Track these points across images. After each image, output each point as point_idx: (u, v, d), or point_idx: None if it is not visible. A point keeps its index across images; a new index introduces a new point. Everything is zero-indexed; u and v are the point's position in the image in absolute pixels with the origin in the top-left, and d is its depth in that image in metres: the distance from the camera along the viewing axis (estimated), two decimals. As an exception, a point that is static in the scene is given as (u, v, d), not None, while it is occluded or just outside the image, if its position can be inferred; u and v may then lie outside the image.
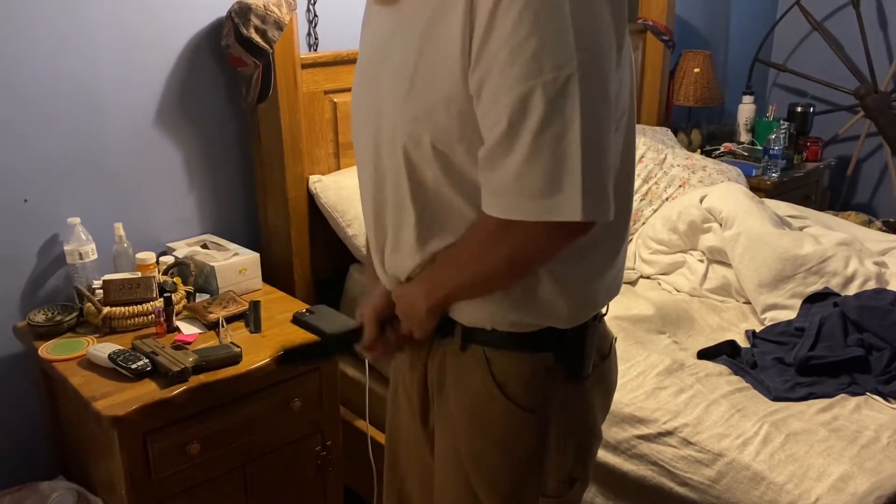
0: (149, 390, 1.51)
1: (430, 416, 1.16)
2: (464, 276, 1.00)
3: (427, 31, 0.93)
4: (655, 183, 2.58)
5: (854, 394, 1.69)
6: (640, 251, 2.41)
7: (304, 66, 2.05)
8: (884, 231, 2.84)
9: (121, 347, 1.60)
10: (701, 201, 2.32)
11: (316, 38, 2.22)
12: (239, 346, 1.63)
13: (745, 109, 3.50)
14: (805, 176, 3.29)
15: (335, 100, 2.16)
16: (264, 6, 1.91)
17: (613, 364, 1.18)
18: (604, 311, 1.12)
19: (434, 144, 0.95)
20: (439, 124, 0.93)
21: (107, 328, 1.73)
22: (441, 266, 1.02)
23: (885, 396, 1.68)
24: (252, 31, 1.91)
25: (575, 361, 1.06)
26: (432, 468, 1.19)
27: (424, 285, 1.04)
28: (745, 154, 3.33)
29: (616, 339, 1.19)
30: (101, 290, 1.76)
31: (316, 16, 2.21)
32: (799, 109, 3.46)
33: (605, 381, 1.15)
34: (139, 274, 1.83)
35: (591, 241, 0.93)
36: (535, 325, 1.03)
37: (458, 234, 1.00)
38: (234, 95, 2.10)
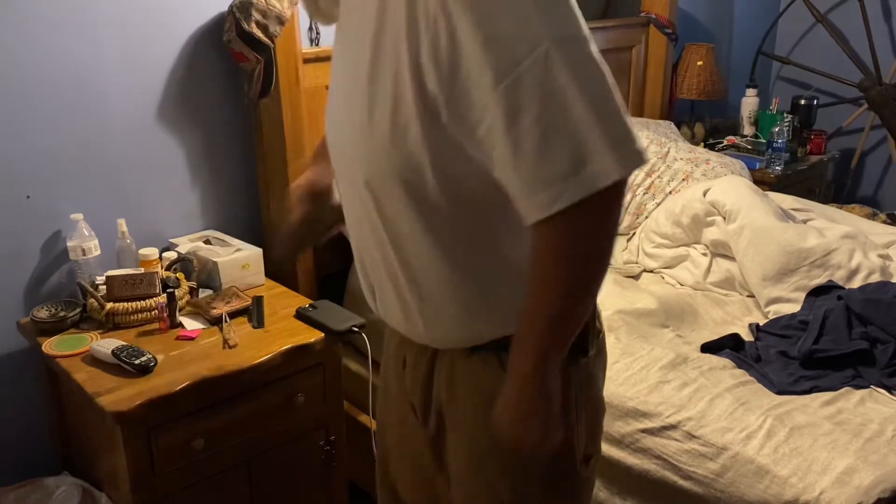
0: (153, 386, 1.50)
1: (431, 417, 1.14)
2: (551, 312, 0.88)
3: (374, 53, 0.91)
4: (658, 177, 2.57)
5: (858, 387, 1.68)
6: (643, 245, 2.41)
7: (306, 61, 2.05)
8: (888, 224, 2.83)
9: (124, 343, 1.60)
10: (704, 195, 2.31)
11: (318, 33, 2.22)
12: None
13: (749, 102, 3.48)
14: (809, 169, 3.28)
15: (337, 94, 2.15)
16: (266, 1, 1.91)
17: (605, 336, 1.17)
18: None
19: (402, 180, 0.93)
20: (401, 157, 0.91)
21: (110, 324, 1.73)
22: (521, 333, 0.92)
23: (889, 389, 1.67)
24: (253, 25, 1.90)
25: (582, 341, 1.05)
26: (429, 469, 1.18)
27: (517, 374, 0.92)
28: (749, 147, 3.31)
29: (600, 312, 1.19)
30: (105, 286, 1.76)
31: (317, 10, 2.20)
32: (802, 102, 3.44)
33: (603, 353, 1.15)
34: (142, 270, 1.83)
35: None
36: None
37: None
38: (236, 90, 2.09)
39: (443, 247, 0.97)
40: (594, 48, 0.83)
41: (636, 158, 0.80)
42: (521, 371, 0.93)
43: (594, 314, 1.08)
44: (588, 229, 0.84)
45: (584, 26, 0.83)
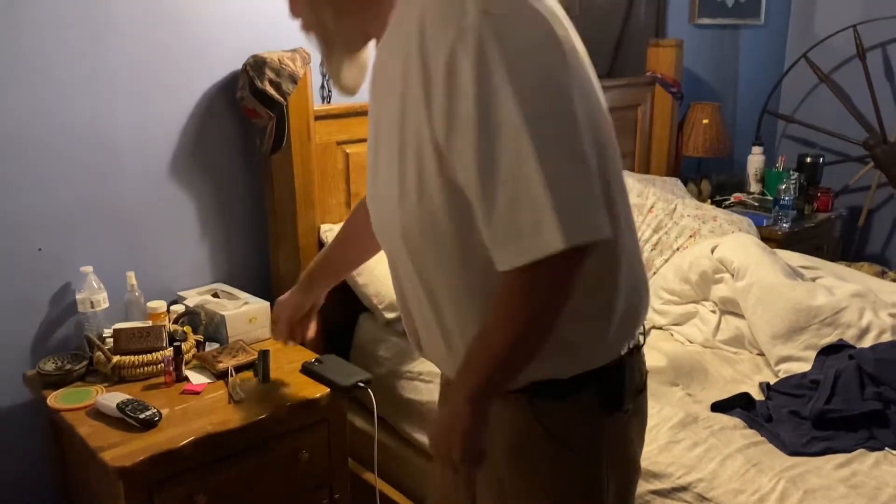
0: (157, 441, 1.49)
1: None
2: (497, 347, 0.97)
3: (401, 119, 0.98)
4: (666, 233, 2.58)
5: (873, 449, 1.65)
6: (652, 302, 2.40)
7: (318, 118, 2.08)
8: (898, 282, 2.81)
9: (129, 397, 1.59)
10: (712, 252, 2.31)
11: (329, 91, 2.26)
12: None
13: (755, 160, 3.51)
14: (816, 226, 3.28)
15: (347, 150, 2.18)
16: (279, 60, 1.95)
17: (646, 397, 1.20)
18: (640, 341, 1.14)
19: (430, 235, 1.01)
20: (428, 217, 0.99)
21: (116, 377, 1.72)
22: (471, 354, 1.01)
23: (904, 452, 1.64)
24: (267, 83, 1.94)
25: (616, 396, 1.08)
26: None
27: (460, 388, 1.01)
28: (756, 204, 3.33)
29: (647, 372, 1.21)
30: (112, 339, 1.76)
31: (329, 69, 2.24)
32: (808, 160, 3.47)
33: (642, 413, 1.18)
34: (150, 323, 1.83)
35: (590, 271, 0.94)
36: (573, 371, 1.04)
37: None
38: (248, 146, 2.13)
39: (469, 296, 1.03)
40: (571, 119, 0.90)
41: (583, 233, 0.89)
42: (462, 392, 1.00)
43: (633, 369, 1.11)
44: (544, 285, 0.93)
45: (571, 99, 0.90)
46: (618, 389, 1.08)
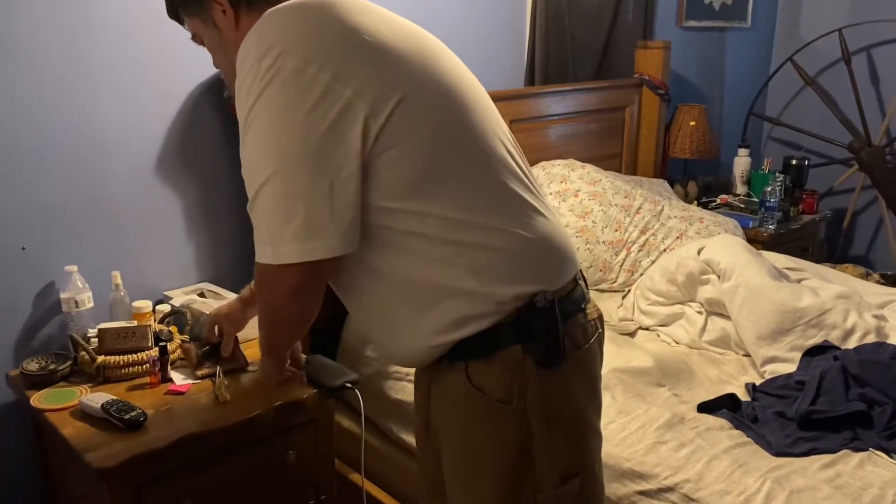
0: (142, 441, 1.48)
1: (430, 429, 1.28)
2: (262, 324, 1.27)
3: None
4: (653, 234, 2.59)
5: (857, 450, 1.66)
6: (638, 302, 2.41)
7: (305, 117, 2.07)
8: (882, 284, 2.84)
9: (114, 397, 1.58)
10: (699, 253, 2.32)
11: (317, 90, 2.25)
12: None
13: (741, 162, 3.54)
14: (802, 228, 3.30)
15: (335, 150, 2.17)
16: (267, 58, 1.94)
17: (594, 354, 1.23)
18: (580, 297, 1.20)
19: None
20: None
21: (101, 377, 1.71)
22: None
23: (888, 452, 1.65)
24: (254, 82, 1.93)
25: (542, 349, 1.13)
26: (437, 477, 1.29)
27: (262, 346, 1.35)
28: (742, 206, 3.35)
29: (600, 332, 1.25)
30: (97, 339, 1.75)
31: (317, 68, 2.24)
32: (794, 162, 3.50)
33: (585, 368, 1.20)
34: (135, 323, 1.81)
35: (465, 227, 1.09)
36: (487, 315, 1.12)
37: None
38: (234, 145, 2.11)
39: (340, 292, 1.27)
40: (284, 179, 1.06)
41: (286, 256, 1.07)
42: (262, 349, 1.36)
43: (576, 328, 1.17)
44: (268, 283, 1.15)
45: (287, 155, 1.05)
46: (543, 344, 1.13)
